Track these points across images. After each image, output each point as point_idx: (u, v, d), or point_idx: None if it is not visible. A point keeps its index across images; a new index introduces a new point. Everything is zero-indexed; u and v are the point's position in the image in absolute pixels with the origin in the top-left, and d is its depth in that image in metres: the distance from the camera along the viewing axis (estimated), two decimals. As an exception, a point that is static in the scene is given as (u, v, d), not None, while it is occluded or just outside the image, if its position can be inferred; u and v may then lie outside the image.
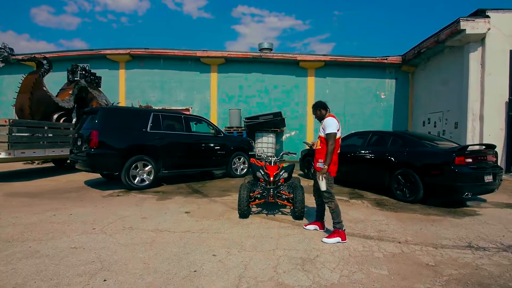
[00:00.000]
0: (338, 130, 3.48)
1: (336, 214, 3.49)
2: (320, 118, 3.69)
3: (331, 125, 3.45)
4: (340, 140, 3.56)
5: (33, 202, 5.16)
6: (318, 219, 3.90)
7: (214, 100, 14.07)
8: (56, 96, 9.82)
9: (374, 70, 13.94)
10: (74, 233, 3.58)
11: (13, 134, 7.05)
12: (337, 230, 3.46)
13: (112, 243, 3.28)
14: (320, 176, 3.41)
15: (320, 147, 3.56)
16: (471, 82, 9.49)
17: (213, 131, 8.06)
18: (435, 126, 11.70)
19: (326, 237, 3.47)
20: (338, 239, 3.42)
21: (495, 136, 9.08)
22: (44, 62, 9.35)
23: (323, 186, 3.41)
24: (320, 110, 3.68)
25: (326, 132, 3.46)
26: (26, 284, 2.39)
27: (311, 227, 3.88)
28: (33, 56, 10.03)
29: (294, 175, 5.24)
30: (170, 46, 13.94)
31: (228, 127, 12.99)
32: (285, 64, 13.87)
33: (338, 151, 3.54)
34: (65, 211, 4.58)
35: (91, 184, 7.06)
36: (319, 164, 3.50)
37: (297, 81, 13.97)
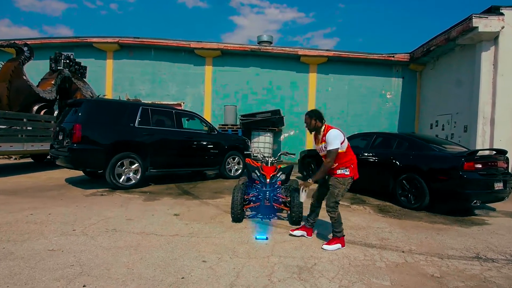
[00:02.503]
0: (342, 143, 3.40)
1: (338, 223, 3.51)
2: (313, 129, 3.60)
3: (335, 139, 3.37)
4: (349, 148, 3.55)
5: (9, 200, 5.10)
6: (309, 225, 3.84)
7: (208, 95, 14.04)
8: (37, 86, 9.72)
9: (380, 68, 13.98)
10: (52, 234, 3.53)
11: (-11, 126, 6.97)
12: (337, 238, 3.51)
13: (94, 246, 3.24)
14: (304, 188, 3.57)
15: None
16: (482, 83, 9.54)
17: (206, 128, 8.03)
18: (443, 129, 11.78)
19: (326, 244, 3.48)
20: (339, 245, 3.46)
21: (507, 141, 9.14)
22: (25, 49, 9.25)
23: (302, 197, 3.60)
24: (316, 120, 3.53)
25: (329, 149, 3.38)
26: (-2, 289, 2.35)
27: (298, 232, 3.82)
28: (13, 42, 9.92)
29: (292, 177, 5.22)
30: (162, 36, 13.81)
31: (223, 125, 12.96)
32: (285, 58, 13.87)
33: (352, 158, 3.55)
34: (44, 210, 4.53)
35: (73, 182, 7.00)
36: (340, 171, 3.46)
37: (298, 77, 13.98)
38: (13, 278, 2.50)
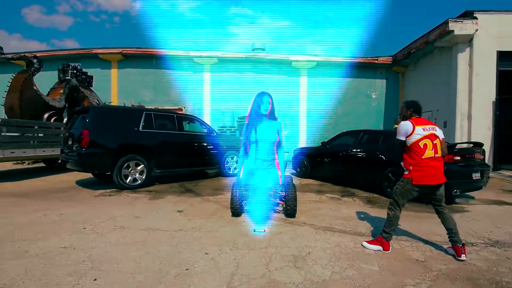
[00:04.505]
0: (408, 136, 3.06)
1: (388, 224, 3.15)
2: (403, 118, 3.25)
3: (399, 130, 3.14)
4: (419, 144, 3.03)
5: (23, 202, 5.05)
6: (455, 242, 3.01)
7: (207, 100, 13.99)
8: (47, 95, 9.65)
9: (365, 71, 14.06)
10: (64, 233, 3.51)
11: (3, 133, 6.89)
12: (381, 239, 3.15)
13: (103, 243, 3.22)
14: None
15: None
16: (459, 82, 9.63)
17: (206, 131, 8.01)
18: (425, 125, 11.82)
19: (367, 242, 3.24)
20: (379, 248, 3.12)
21: (483, 135, 9.23)
22: (34, 61, 9.16)
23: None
24: (411, 112, 3.22)
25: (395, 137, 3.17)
26: (14, 285, 2.33)
27: (451, 250, 3.08)
28: (23, 55, 9.85)
29: (286, 173, 5.22)
30: (163, 46, 13.78)
31: (221, 127, 12.93)
32: (277, 64, 13.88)
33: (423, 157, 3.01)
34: (56, 211, 4.50)
35: (83, 184, 6.95)
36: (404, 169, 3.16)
37: (290, 81, 13.99)
38: (28, 275, 2.49)
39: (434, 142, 3.05)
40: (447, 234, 3.09)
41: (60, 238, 3.36)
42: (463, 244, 2.98)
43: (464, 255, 2.92)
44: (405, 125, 3.11)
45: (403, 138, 3.12)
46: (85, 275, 2.48)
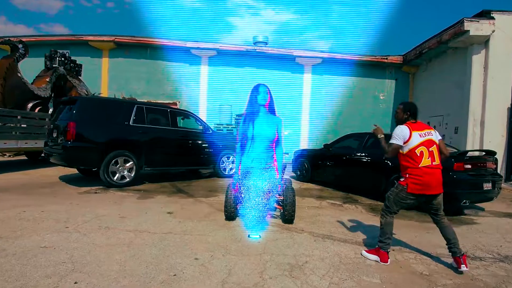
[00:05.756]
0: (405, 142, 3.03)
1: (382, 232, 3.15)
2: (399, 123, 3.23)
3: (396, 133, 3.10)
4: (415, 152, 3.00)
5: (1, 197, 5.03)
6: (454, 253, 2.99)
7: (203, 95, 13.97)
8: (32, 83, 9.59)
9: (374, 70, 14.08)
10: (45, 232, 3.50)
11: (-18, 122, 6.87)
12: (378, 249, 3.14)
13: (86, 243, 3.22)
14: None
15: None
16: (473, 85, 9.65)
17: (201, 127, 8.01)
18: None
19: (366, 251, 3.26)
20: (377, 258, 3.11)
21: (496, 142, 9.26)
22: (20, 46, 9.13)
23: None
24: (407, 115, 3.20)
25: (389, 141, 3.11)
26: (-12, 285, 2.32)
27: (455, 264, 3.06)
28: (7, 39, 9.80)
29: (285, 176, 5.22)
30: (158, 35, 13.76)
31: (218, 124, 12.92)
32: (280, 59, 13.87)
33: (420, 165, 2.97)
34: (37, 207, 4.48)
35: (67, 179, 6.94)
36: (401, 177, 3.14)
37: (293, 78, 13.99)
38: (4, 275, 2.47)
39: (430, 149, 3.02)
40: (446, 244, 3.06)
41: (40, 236, 3.35)
42: (463, 254, 2.95)
43: (464, 265, 2.87)
44: (402, 130, 3.08)
45: (400, 143, 3.05)
46: (65, 277, 2.47)
